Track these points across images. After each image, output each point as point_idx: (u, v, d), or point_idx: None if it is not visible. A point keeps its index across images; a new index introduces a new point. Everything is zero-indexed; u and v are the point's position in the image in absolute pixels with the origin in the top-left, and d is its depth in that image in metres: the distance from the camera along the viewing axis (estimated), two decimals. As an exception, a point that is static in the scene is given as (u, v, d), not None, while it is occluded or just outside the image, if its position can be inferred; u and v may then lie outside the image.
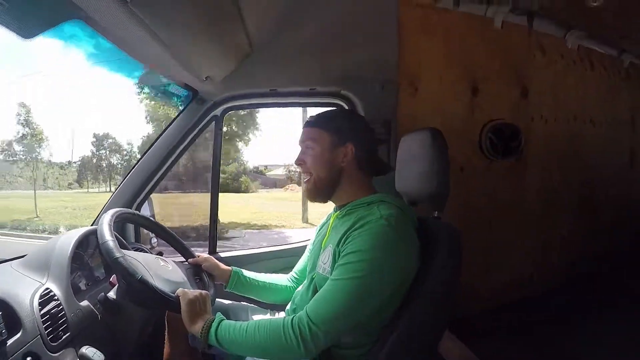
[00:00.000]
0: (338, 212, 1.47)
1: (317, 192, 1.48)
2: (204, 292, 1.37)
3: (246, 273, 1.76)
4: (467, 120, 2.37)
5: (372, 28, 2.08)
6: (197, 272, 1.71)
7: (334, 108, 2.12)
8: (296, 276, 1.78)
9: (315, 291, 1.34)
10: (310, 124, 1.50)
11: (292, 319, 1.19)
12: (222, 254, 2.31)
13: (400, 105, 2.22)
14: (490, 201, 2.40)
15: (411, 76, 2.28)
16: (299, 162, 1.50)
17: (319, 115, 1.53)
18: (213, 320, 1.27)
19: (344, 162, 1.43)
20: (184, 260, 1.75)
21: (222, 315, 1.31)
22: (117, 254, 1.31)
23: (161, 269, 1.48)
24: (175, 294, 1.35)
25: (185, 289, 1.38)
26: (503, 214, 2.43)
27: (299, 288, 1.58)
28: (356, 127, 1.47)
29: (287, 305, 1.63)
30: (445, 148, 1.39)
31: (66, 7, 1.15)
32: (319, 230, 1.65)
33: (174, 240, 1.78)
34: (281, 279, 1.80)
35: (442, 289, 1.28)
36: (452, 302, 1.33)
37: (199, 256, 1.77)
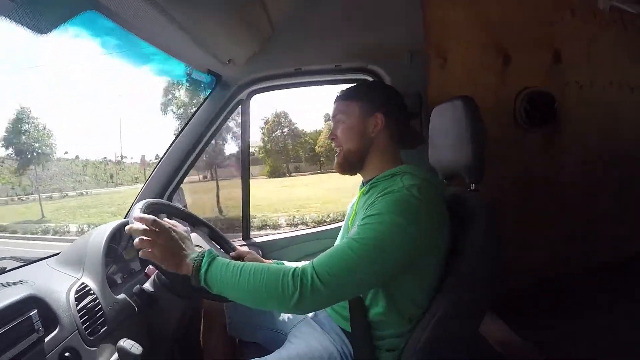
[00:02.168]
0: (363, 187, 1.40)
1: (347, 164, 1.42)
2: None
3: (287, 264, 1.64)
4: (499, 89, 2.23)
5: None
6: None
7: (361, 82, 2.00)
8: None
9: None
10: (340, 97, 1.45)
11: (295, 269, 1.09)
12: (257, 240, 2.28)
13: (430, 77, 2.12)
14: (526, 173, 2.26)
15: (439, 46, 2.15)
16: (332, 137, 1.45)
17: (347, 88, 1.48)
18: (204, 256, 1.16)
19: (374, 132, 1.37)
20: (220, 248, 1.69)
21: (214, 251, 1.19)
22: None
23: None
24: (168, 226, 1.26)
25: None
26: (541, 187, 2.28)
27: None
28: (385, 96, 1.42)
29: None
30: (479, 116, 1.31)
31: None
32: (348, 211, 1.57)
33: (214, 232, 1.73)
34: None
35: (481, 268, 1.21)
36: (492, 280, 1.25)
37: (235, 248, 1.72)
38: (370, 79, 2.12)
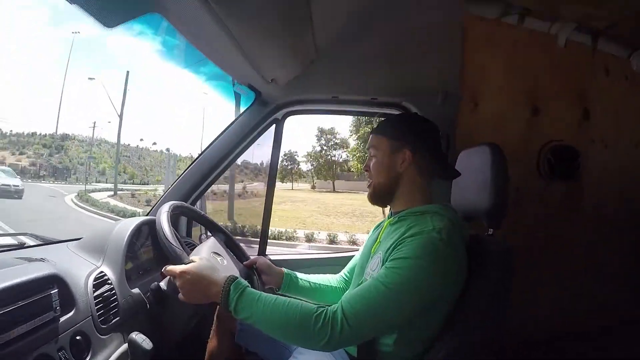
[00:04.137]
0: (391, 218, 1.39)
1: (376, 197, 1.44)
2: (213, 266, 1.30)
3: (299, 275, 1.70)
4: (525, 139, 2.20)
5: (436, 40, 1.94)
6: (249, 275, 1.64)
7: (396, 114, 2.05)
8: (345, 277, 1.72)
9: None
10: (374, 131, 1.47)
11: (326, 310, 1.10)
12: (272, 257, 2.23)
13: (460, 119, 2.11)
14: (544, 225, 2.20)
15: (472, 90, 2.15)
16: (365, 168, 1.47)
17: (381, 122, 1.48)
18: (232, 282, 1.18)
19: (402, 167, 1.36)
20: (234, 255, 1.68)
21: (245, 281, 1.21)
22: (175, 245, 1.30)
23: (215, 262, 1.42)
24: (190, 258, 1.29)
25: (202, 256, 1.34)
26: (557, 240, 2.21)
27: (346, 293, 1.44)
28: (415, 132, 1.40)
29: None
30: (504, 165, 1.30)
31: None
32: (371, 235, 1.57)
33: (231, 240, 1.73)
34: (331, 280, 1.73)
35: (491, 311, 1.20)
36: (499, 325, 1.24)
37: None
38: (404, 114, 2.11)
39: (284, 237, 13.23)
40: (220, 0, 1.13)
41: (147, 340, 1.21)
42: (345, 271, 1.72)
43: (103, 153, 46.24)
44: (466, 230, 1.28)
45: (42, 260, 1.23)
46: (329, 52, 1.94)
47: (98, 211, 18.99)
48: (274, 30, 1.47)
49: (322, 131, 36.46)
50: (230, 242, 1.71)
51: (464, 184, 1.46)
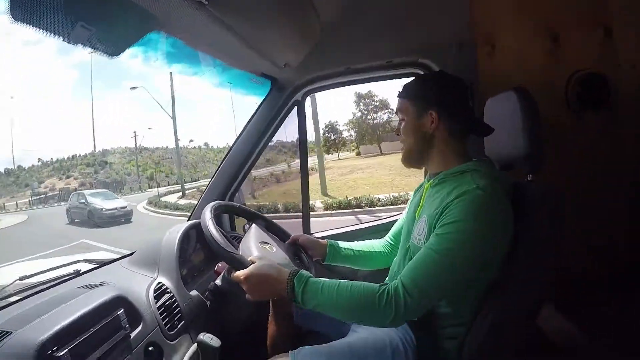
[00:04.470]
0: (431, 180, 1.37)
1: (410, 159, 1.42)
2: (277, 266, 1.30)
3: (341, 244, 1.71)
4: (550, 73, 2.09)
5: None
6: (296, 253, 1.67)
7: (420, 74, 1.94)
8: (391, 241, 1.72)
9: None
10: (399, 95, 1.43)
11: (388, 287, 1.12)
12: (317, 234, 2.27)
13: (479, 67, 2.04)
14: (583, 160, 2.10)
15: (486, 34, 2.06)
16: (397, 132, 1.44)
17: (405, 84, 1.43)
18: (295, 276, 1.20)
19: (432, 128, 1.32)
20: (277, 237, 1.71)
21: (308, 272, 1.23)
22: (224, 244, 1.31)
23: (265, 252, 1.45)
24: (249, 259, 1.31)
25: (260, 255, 1.36)
26: (599, 173, 2.11)
27: (396, 258, 1.50)
28: (438, 91, 1.34)
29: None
30: (534, 106, 1.26)
31: (147, 20, 1.17)
32: (413, 198, 1.56)
33: (271, 224, 1.75)
34: (375, 245, 1.74)
35: (543, 257, 1.19)
36: (553, 269, 1.24)
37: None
38: (422, 72, 2.07)
39: (399, 202, 12.79)
40: (217, 1, 1.13)
41: (215, 338, 1.25)
42: (390, 235, 1.72)
43: (146, 159, 47.59)
44: (508, 181, 1.26)
45: (102, 284, 1.29)
46: (335, 24, 1.92)
47: (180, 212, 18.61)
48: (275, 16, 1.46)
49: (360, 96, 35.67)
50: (271, 227, 1.73)
51: (496, 133, 1.41)
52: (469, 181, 1.17)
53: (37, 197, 38.96)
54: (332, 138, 38.27)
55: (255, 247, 1.44)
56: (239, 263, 1.28)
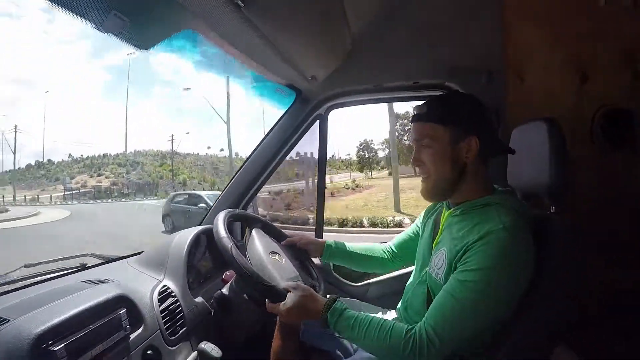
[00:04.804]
0: (451, 209, 1.28)
1: (437, 192, 1.29)
2: (309, 289, 1.30)
3: (339, 244, 1.68)
4: (576, 108, 2.04)
5: (475, 16, 1.89)
6: (305, 266, 1.65)
7: (443, 94, 1.89)
8: (393, 250, 1.68)
9: (428, 293, 1.25)
10: (422, 117, 1.25)
11: (414, 335, 1.09)
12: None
13: (507, 97, 2.01)
14: (605, 195, 2.02)
15: (517, 65, 2.03)
16: (417, 162, 1.28)
17: (430, 106, 1.25)
18: (329, 309, 1.20)
19: (468, 157, 1.21)
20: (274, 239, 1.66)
21: (342, 303, 1.23)
22: (235, 254, 1.28)
23: (275, 264, 1.43)
24: (283, 287, 1.29)
25: (293, 284, 1.32)
26: (621, 211, 2.04)
27: (410, 281, 1.44)
28: (477, 115, 1.23)
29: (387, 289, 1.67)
30: (562, 138, 1.22)
31: (181, 17, 1.16)
32: (427, 218, 1.50)
33: (262, 224, 1.69)
34: (376, 250, 1.70)
35: (559, 294, 1.14)
36: (568, 306, 1.18)
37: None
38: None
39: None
40: (252, 5, 1.10)
41: (216, 348, 1.24)
42: (393, 244, 1.68)
43: (178, 164, 48.27)
44: (529, 214, 1.20)
45: (106, 281, 1.27)
46: (366, 41, 1.91)
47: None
48: (308, 28, 1.45)
49: (397, 116, 35.30)
50: (266, 228, 1.68)
51: (521, 162, 1.38)
52: (493, 217, 1.11)
53: (70, 193, 39.56)
54: (367, 156, 38.63)
55: (267, 259, 1.42)
56: (277, 295, 1.26)
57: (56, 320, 0.93)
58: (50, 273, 1.42)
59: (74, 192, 39.94)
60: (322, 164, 2.25)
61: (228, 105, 29.53)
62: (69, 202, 35.18)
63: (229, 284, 1.48)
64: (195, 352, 1.28)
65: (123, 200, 36.19)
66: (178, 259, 1.49)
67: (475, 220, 1.14)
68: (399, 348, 1.08)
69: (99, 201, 34.53)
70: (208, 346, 1.23)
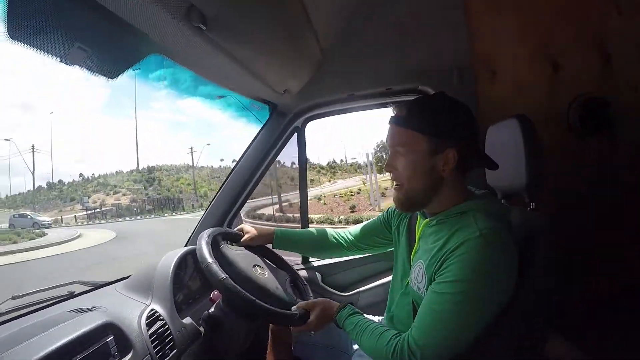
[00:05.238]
0: (427, 220, 1.25)
1: (409, 203, 1.22)
2: (325, 299, 1.37)
3: (287, 231, 1.70)
4: (551, 98, 2.06)
5: (439, 15, 1.91)
6: (292, 280, 1.64)
7: (424, 97, 1.84)
8: (351, 239, 1.67)
9: (413, 305, 1.24)
10: (400, 122, 1.18)
11: (397, 343, 1.10)
12: (315, 264, 2.26)
13: (479, 93, 2.03)
14: (584, 186, 2.04)
15: (486, 60, 2.04)
16: (389, 168, 1.23)
17: (410, 110, 1.17)
18: (342, 309, 1.29)
19: (445, 170, 1.15)
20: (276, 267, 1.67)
21: (352, 308, 1.30)
22: (222, 275, 1.28)
23: (259, 278, 1.44)
24: (294, 309, 1.34)
25: (307, 302, 1.38)
26: (600, 198, 2.02)
27: (392, 292, 1.46)
28: (459, 124, 1.16)
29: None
30: (535, 134, 1.24)
31: (145, 43, 1.16)
32: (398, 220, 1.51)
33: (269, 253, 1.71)
34: (327, 236, 1.69)
35: (547, 282, 1.16)
36: (557, 294, 1.27)
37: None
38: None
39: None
40: (215, 27, 1.11)
41: None
42: (353, 234, 1.67)
43: (195, 178, 48.00)
44: (509, 215, 1.20)
45: (93, 309, 1.26)
46: (336, 51, 1.93)
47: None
48: (275, 43, 1.46)
49: None
50: (265, 252, 1.70)
51: (498, 161, 1.35)
52: (470, 224, 1.08)
53: (93, 212, 38.97)
54: (385, 157, 38.78)
55: (249, 271, 1.43)
56: (300, 320, 1.32)
57: (44, 352, 0.93)
58: (38, 303, 1.41)
59: (95, 211, 39.28)
60: (302, 171, 2.27)
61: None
62: (95, 222, 34.71)
63: (216, 303, 1.48)
64: None
65: (153, 216, 35.63)
66: (164, 282, 1.48)
67: (451, 229, 1.11)
68: (384, 353, 1.11)
69: (127, 219, 33.95)
70: None
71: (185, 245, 1.90)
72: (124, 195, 45.19)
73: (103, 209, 39.35)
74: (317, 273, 2.19)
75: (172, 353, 1.30)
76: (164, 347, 1.28)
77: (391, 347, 1.09)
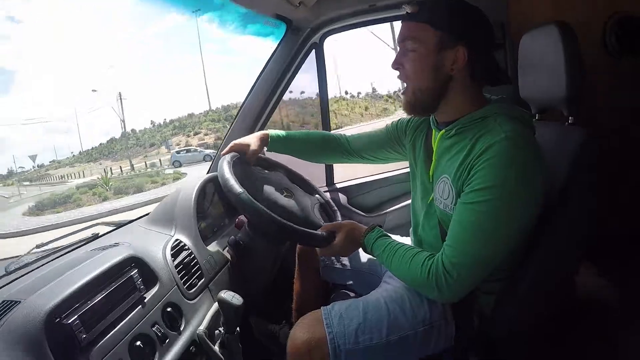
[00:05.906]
0: (443, 131, 1.15)
1: (418, 104, 1.14)
2: (351, 222, 1.30)
3: (281, 134, 1.56)
4: (587, 14, 1.89)
5: None
6: (321, 204, 1.56)
7: None
8: (351, 144, 1.59)
9: (440, 227, 1.18)
10: (412, 16, 1.10)
11: (432, 264, 1.04)
12: (339, 185, 2.22)
13: (511, 4, 1.86)
14: (619, 107, 1.90)
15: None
16: (396, 65, 1.14)
17: (422, 3, 1.09)
18: (370, 231, 1.23)
19: (454, 69, 1.06)
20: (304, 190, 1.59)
21: (380, 230, 1.23)
22: (239, 190, 1.18)
23: (286, 202, 1.37)
24: (321, 231, 1.26)
25: (333, 224, 1.31)
26: (632, 121, 1.92)
27: (416, 214, 1.37)
28: (471, 23, 1.07)
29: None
30: (576, 42, 1.11)
31: None
32: (413, 135, 1.38)
33: (290, 173, 1.63)
34: (325, 137, 1.63)
35: (585, 210, 1.09)
36: (594, 223, 1.13)
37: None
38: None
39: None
40: None
41: (237, 295, 1.20)
42: (350, 139, 1.59)
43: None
44: (532, 123, 1.10)
45: (116, 245, 1.23)
46: None
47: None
48: None
49: None
50: (292, 176, 1.61)
51: (532, 73, 1.28)
52: (494, 128, 1.00)
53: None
54: None
55: (275, 194, 1.36)
56: (325, 241, 1.24)
57: (66, 292, 0.90)
58: (63, 249, 1.39)
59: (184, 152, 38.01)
60: (324, 99, 2.14)
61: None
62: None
63: (243, 229, 1.44)
64: (217, 304, 1.25)
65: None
66: (187, 211, 1.44)
67: (474, 136, 1.03)
68: (419, 276, 1.05)
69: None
70: (228, 294, 1.19)
71: (209, 172, 1.84)
72: (205, 134, 45.73)
73: (191, 149, 38.02)
74: (340, 194, 2.14)
75: (200, 282, 1.29)
76: (191, 277, 1.27)
77: (426, 269, 1.03)
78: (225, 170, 1.24)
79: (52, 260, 1.30)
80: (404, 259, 1.09)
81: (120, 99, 44.78)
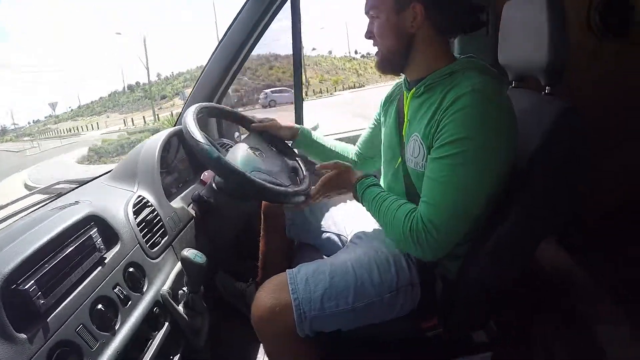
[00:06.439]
0: (413, 90, 1.14)
1: (387, 64, 1.17)
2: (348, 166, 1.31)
3: (314, 134, 1.57)
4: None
5: None
6: (294, 165, 1.49)
7: None
8: (359, 150, 1.59)
9: (411, 185, 1.17)
10: None
11: (412, 222, 1.02)
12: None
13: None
14: (600, 88, 1.88)
15: None
16: (368, 35, 1.18)
17: None
18: (363, 177, 1.23)
19: (414, 26, 1.07)
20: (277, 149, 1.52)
21: (374, 179, 1.24)
22: (214, 153, 1.12)
23: (256, 161, 1.30)
24: (308, 188, 1.28)
25: (328, 162, 1.34)
26: (617, 103, 1.90)
27: (384, 180, 1.36)
28: None
29: None
30: (562, 10, 1.07)
31: None
32: (385, 106, 1.38)
33: (265, 133, 1.54)
34: (348, 149, 1.62)
35: (561, 177, 1.05)
36: (569, 198, 1.08)
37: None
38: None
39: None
40: None
41: (200, 253, 1.15)
42: (358, 147, 1.59)
43: (289, 66, 48.75)
44: (502, 79, 1.10)
45: (76, 203, 1.16)
46: None
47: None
48: None
49: None
50: (267, 135, 1.53)
51: (514, 38, 1.25)
52: (462, 81, 0.99)
53: None
54: None
55: (243, 152, 1.29)
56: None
57: (21, 257, 0.85)
58: (24, 210, 1.31)
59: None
60: (297, 54, 2.01)
61: None
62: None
63: (208, 185, 1.38)
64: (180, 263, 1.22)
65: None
66: (150, 166, 1.39)
67: (442, 91, 1.03)
68: (401, 230, 1.04)
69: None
70: (190, 252, 1.14)
71: (176, 124, 1.77)
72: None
73: (283, 89, 36.78)
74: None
75: (163, 240, 1.26)
76: (154, 235, 1.23)
77: (407, 225, 1.03)
78: (191, 124, 1.18)
79: (9, 223, 1.23)
80: (389, 211, 1.08)
81: (145, 44, 41.43)
